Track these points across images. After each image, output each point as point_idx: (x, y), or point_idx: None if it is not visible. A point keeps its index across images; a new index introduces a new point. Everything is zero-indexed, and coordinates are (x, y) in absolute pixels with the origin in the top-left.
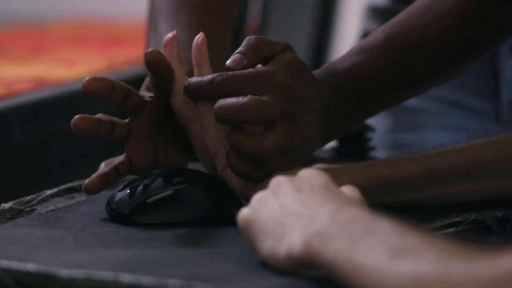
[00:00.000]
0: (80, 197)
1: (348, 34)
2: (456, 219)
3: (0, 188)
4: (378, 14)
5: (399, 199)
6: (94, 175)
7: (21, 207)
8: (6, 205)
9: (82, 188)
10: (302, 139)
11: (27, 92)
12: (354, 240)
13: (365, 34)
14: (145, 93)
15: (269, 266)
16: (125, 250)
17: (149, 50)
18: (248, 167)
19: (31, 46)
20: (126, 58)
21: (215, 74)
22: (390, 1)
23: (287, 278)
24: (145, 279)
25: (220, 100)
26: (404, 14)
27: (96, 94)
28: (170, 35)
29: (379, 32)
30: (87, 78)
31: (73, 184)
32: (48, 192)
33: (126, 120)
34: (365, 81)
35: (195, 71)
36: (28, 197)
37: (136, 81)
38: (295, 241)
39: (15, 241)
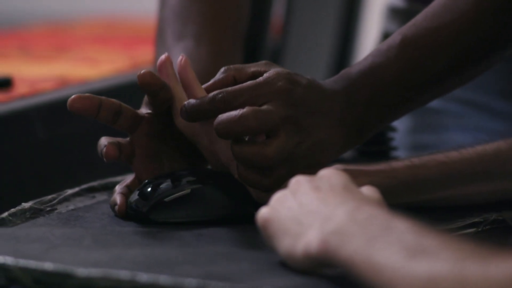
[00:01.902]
0: (101, 196)
1: (372, 33)
2: (476, 219)
3: (22, 186)
4: (397, 15)
5: (419, 200)
6: (121, 201)
7: (42, 207)
8: (26, 205)
9: (118, 213)
10: (312, 144)
11: (50, 91)
12: (371, 239)
13: (385, 35)
14: (145, 109)
15: (287, 265)
16: (144, 249)
17: (141, 72)
18: (255, 176)
19: (55, 45)
20: (150, 57)
21: (215, 92)
22: (409, 2)
23: (304, 277)
24: (162, 278)
25: (219, 116)
26: (421, 15)
27: (82, 112)
28: (163, 57)
29: (396, 34)
30: (72, 97)
31: (94, 183)
32: (69, 191)
33: (127, 139)
34: (381, 83)
35: (187, 93)
36: (49, 197)
37: None
38: (312, 240)
39: (34, 240)
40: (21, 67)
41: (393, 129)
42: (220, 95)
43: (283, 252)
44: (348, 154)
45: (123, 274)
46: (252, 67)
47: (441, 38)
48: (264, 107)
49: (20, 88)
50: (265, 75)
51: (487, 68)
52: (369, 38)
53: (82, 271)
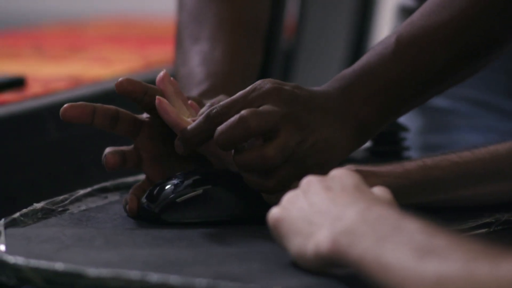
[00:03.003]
0: (113, 197)
1: (385, 33)
2: (488, 220)
3: (34, 185)
4: (409, 14)
5: (431, 200)
6: (132, 201)
7: (53, 207)
8: (38, 205)
9: (129, 213)
10: (315, 143)
11: (63, 91)
12: (381, 239)
13: None
14: (146, 114)
15: (298, 265)
16: (155, 249)
17: (119, 80)
18: (257, 178)
19: (68, 45)
20: (163, 57)
21: (208, 110)
22: (420, 1)
23: (314, 277)
24: (172, 278)
25: (218, 128)
26: (417, 13)
27: (75, 120)
28: (161, 74)
29: (392, 34)
30: (64, 106)
31: (107, 183)
32: (81, 191)
33: (132, 146)
34: (378, 82)
35: (175, 130)
36: (61, 197)
37: None
38: (322, 239)
39: (46, 240)
40: (34, 67)
41: (405, 129)
42: (214, 110)
43: (294, 252)
44: (360, 154)
45: (134, 274)
46: None
47: (438, 36)
48: (261, 108)
49: (33, 88)
50: (250, 86)
51: (486, 64)
52: (382, 38)
53: (93, 271)
